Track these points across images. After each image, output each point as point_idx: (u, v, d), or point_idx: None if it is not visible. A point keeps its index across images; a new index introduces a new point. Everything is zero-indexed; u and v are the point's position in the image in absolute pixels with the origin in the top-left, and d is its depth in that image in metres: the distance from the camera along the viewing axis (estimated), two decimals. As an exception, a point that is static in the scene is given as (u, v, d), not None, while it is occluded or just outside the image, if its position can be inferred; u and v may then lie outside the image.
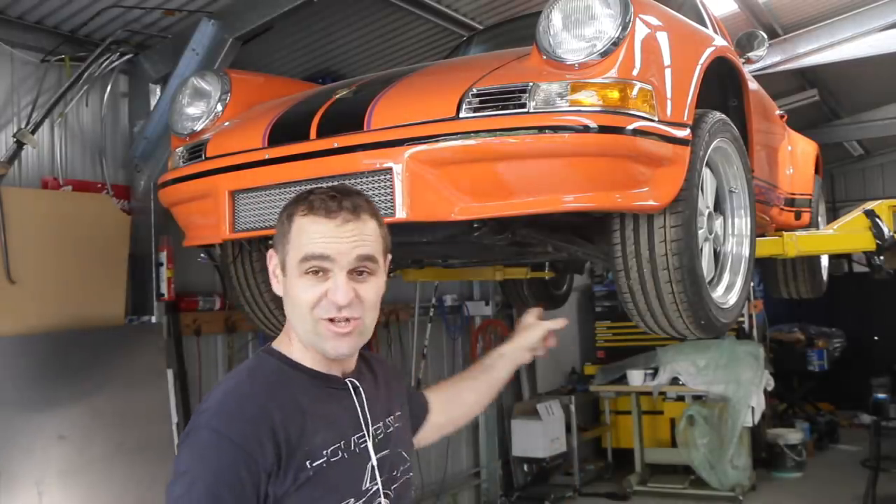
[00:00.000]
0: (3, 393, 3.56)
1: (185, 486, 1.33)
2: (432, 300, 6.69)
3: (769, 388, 7.40)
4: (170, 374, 4.28)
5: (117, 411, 3.89)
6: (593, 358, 8.56)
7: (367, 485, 1.47)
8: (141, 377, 4.09)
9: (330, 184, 1.74)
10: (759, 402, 7.06)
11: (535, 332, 2.10)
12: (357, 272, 1.46)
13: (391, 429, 1.60)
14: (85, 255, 3.99)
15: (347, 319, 1.45)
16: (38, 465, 3.58)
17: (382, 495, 1.49)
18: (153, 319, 4.33)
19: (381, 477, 1.49)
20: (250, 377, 1.49)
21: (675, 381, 7.35)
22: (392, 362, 2.08)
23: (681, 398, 7.54)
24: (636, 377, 7.54)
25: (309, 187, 1.55)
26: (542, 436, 7.09)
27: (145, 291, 4.35)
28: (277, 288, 1.53)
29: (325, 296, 1.44)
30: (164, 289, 4.34)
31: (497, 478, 7.34)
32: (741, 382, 6.98)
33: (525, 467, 7.56)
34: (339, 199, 1.46)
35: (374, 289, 1.49)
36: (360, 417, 1.51)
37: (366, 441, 1.50)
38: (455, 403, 1.99)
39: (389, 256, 1.59)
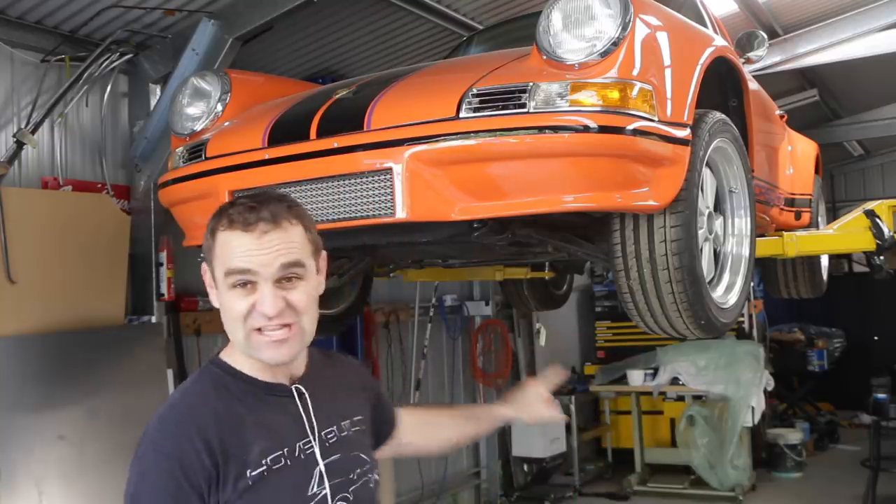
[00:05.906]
0: (3, 393, 3.56)
1: None
2: (432, 300, 6.68)
3: (769, 388, 7.40)
4: (170, 374, 4.27)
5: (117, 411, 3.88)
6: (593, 358, 8.55)
7: (315, 490, 1.47)
8: (141, 377, 4.09)
9: (252, 192, 1.69)
10: (759, 402, 7.05)
11: (532, 411, 2.09)
12: (285, 280, 1.46)
13: (347, 433, 1.58)
14: (85, 255, 3.99)
15: (281, 326, 1.45)
16: (38, 466, 3.58)
17: (336, 498, 1.49)
18: (153, 319, 4.32)
19: (331, 481, 1.49)
20: (192, 389, 1.53)
21: (675, 381, 7.34)
22: (362, 366, 2.02)
23: (681, 398, 7.54)
24: (636, 377, 7.53)
25: (230, 200, 1.54)
26: (541, 436, 7.07)
27: (145, 291, 4.35)
28: (214, 300, 1.53)
29: (254, 307, 1.44)
30: (164, 289, 4.34)
31: (497, 478, 7.33)
32: (741, 382, 6.97)
33: (525, 467, 7.54)
34: (258, 209, 1.45)
35: (304, 293, 1.48)
36: (306, 423, 1.51)
37: (312, 447, 1.50)
38: (429, 432, 2.01)
39: (324, 254, 1.58)
